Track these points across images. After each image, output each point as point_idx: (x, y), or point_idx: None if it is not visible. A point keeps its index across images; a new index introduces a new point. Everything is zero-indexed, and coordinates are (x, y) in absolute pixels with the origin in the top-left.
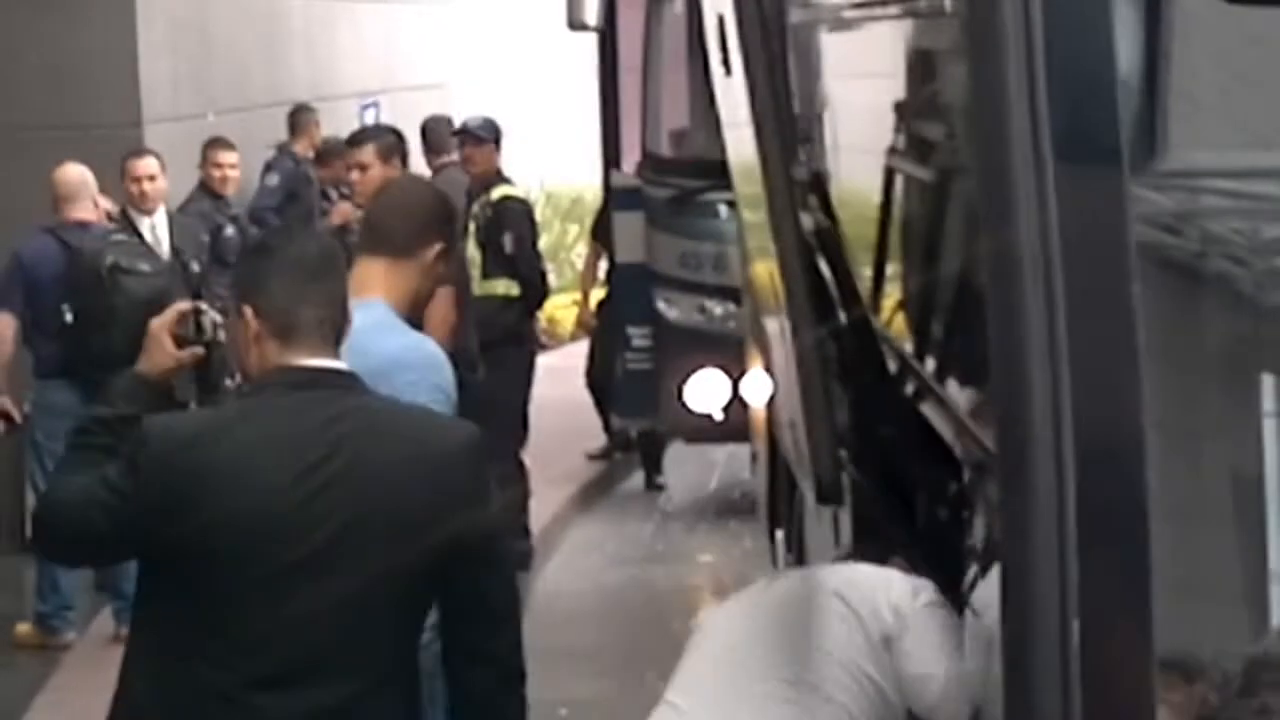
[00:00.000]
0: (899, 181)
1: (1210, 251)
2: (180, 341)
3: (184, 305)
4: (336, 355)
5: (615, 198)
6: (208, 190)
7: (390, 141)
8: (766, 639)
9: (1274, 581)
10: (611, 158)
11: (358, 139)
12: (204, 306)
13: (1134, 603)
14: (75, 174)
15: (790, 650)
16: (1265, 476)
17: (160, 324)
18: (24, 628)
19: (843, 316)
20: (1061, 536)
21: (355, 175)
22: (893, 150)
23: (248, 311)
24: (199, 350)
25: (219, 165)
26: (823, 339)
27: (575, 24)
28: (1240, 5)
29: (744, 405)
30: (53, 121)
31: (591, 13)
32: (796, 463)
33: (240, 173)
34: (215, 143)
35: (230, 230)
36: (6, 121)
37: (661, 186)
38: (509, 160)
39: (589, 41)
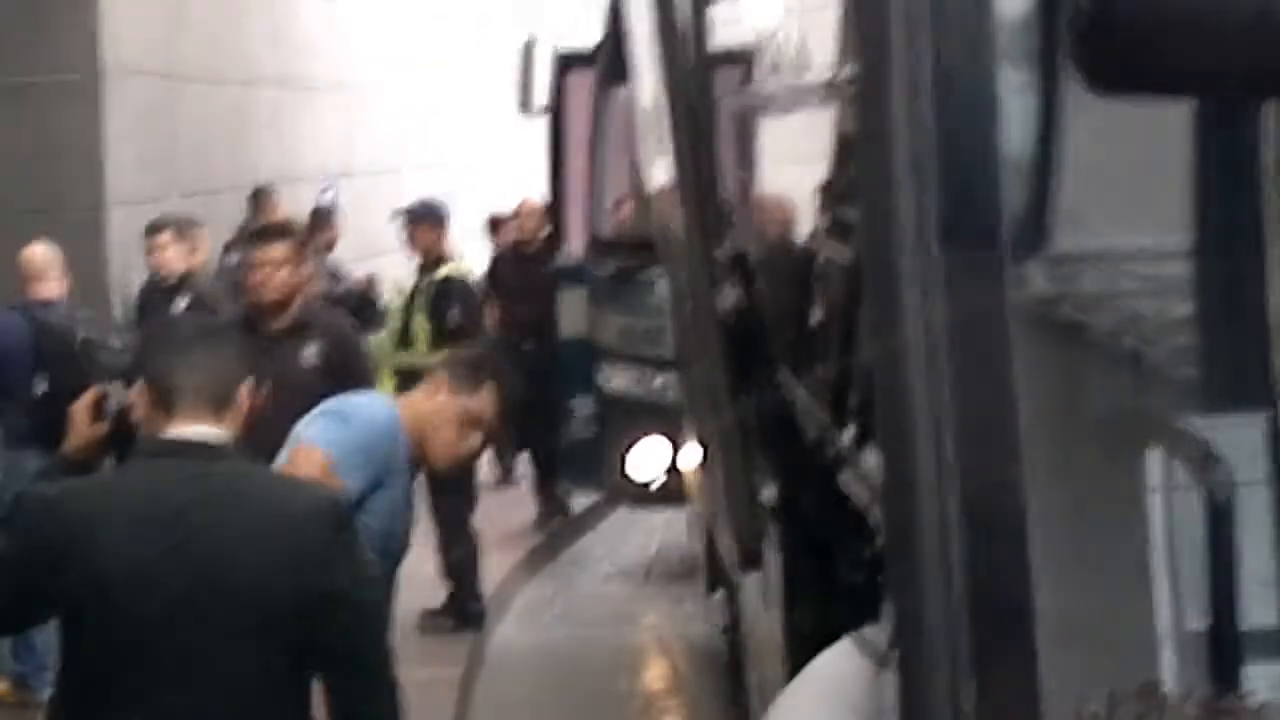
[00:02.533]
0: (817, 259)
1: (1094, 332)
2: (95, 422)
3: (96, 389)
4: (219, 422)
5: (561, 274)
6: (153, 277)
7: (301, 238)
8: None
9: (1161, 650)
10: (559, 237)
11: (271, 234)
12: (111, 389)
13: (1021, 668)
14: (41, 254)
15: None
16: (1150, 551)
17: (77, 406)
18: (2, 686)
19: (764, 389)
20: (948, 599)
21: (263, 274)
22: (811, 229)
23: (140, 384)
24: (102, 426)
25: (151, 250)
26: (743, 410)
27: (526, 107)
28: (1108, 96)
29: (682, 472)
30: (18, 204)
31: (541, 97)
32: (721, 530)
33: (204, 252)
34: (147, 228)
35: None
36: None
37: (604, 265)
38: (465, 238)
39: (540, 126)
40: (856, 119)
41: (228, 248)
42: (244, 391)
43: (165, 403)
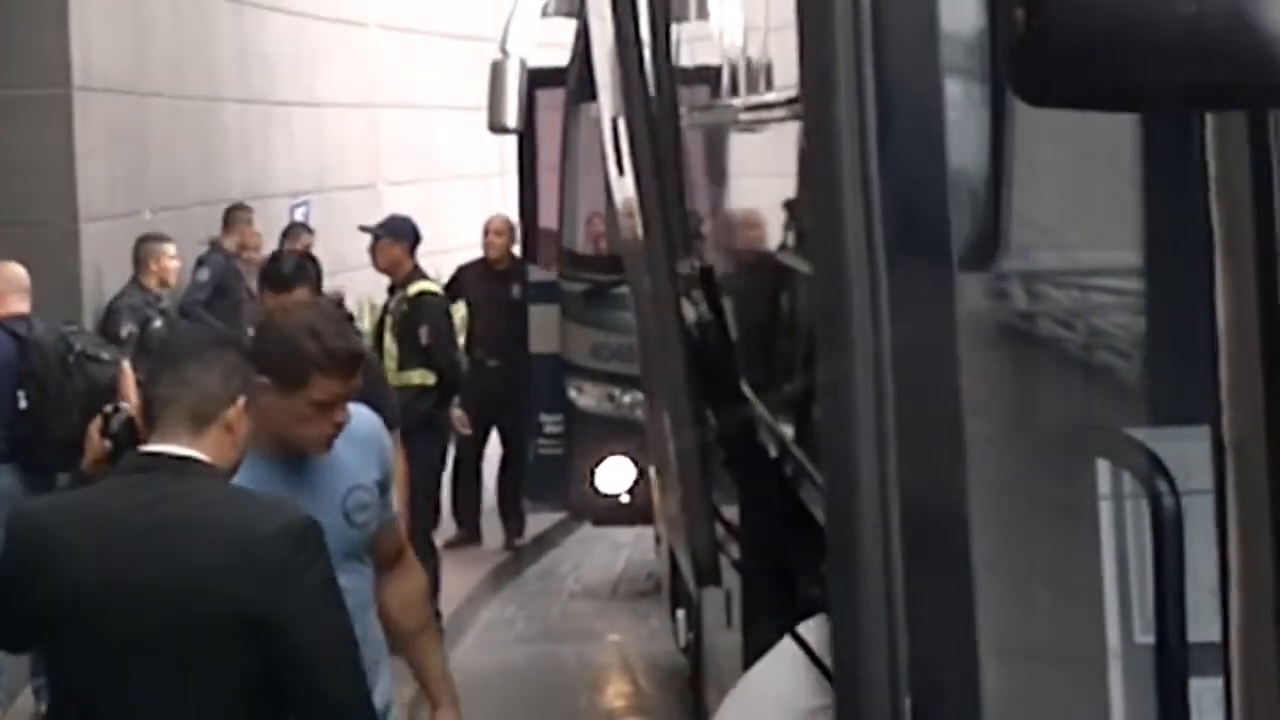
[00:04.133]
0: (778, 274)
1: (1042, 343)
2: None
3: (107, 407)
4: (198, 439)
5: (532, 291)
6: (139, 284)
7: (317, 278)
8: None
9: (1111, 662)
10: (529, 253)
11: (288, 279)
12: (120, 407)
13: (963, 681)
14: (13, 270)
15: None
16: (1098, 562)
17: (91, 424)
18: None
19: (725, 404)
20: (890, 618)
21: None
22: (771, 245)
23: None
24: (106, 444)
25: (159, 259)
26: (702, 425)
27: (496, 126)
28: (1041, 108)
29: (648, 489)
30: None
31: (512, 115)
32: (679, 547)
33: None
34: (151, 239)
35: (158, 323)
36: None
37: (576, 281)
38: (436, 256)
39: (511, 143)
40: (805, 131)
41: (200, 262)
42: (234, 412)
43: (150, 416)
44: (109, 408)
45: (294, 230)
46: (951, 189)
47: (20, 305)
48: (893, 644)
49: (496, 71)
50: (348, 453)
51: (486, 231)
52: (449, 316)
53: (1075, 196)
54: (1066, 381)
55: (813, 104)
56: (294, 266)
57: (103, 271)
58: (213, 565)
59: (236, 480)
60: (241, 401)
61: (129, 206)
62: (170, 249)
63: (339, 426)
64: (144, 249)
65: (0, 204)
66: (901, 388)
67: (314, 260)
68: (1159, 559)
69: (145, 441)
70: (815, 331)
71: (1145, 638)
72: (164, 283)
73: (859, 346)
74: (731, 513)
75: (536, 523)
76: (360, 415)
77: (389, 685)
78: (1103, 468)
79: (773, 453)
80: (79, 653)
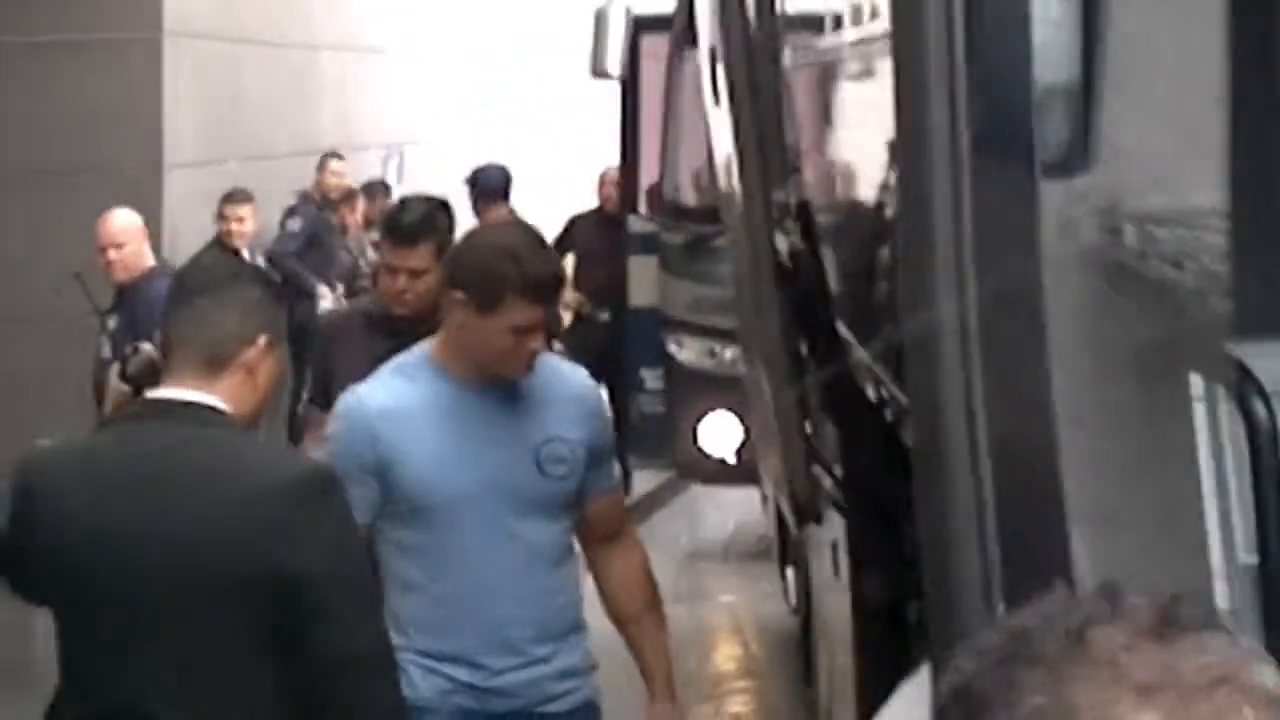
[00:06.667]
0: (879, 217)
1: (1131, 255)
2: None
3: (127, 349)
4: (211, 382)
5: (631, 243)
6: (221, 244)
7: (446, 234)
8: None
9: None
10: (630, 203)
11: (410, 233)
12: (139, 348)
13: None
14: (131, 218)
15: None
16: (1192, 468)
17: (112, 369)
18: None
19: (821, 339)
20: (981, 534)
21: (402, 282)
22: (872, 188)
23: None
24: (127, 388)
25: (229, 219)
26: (798, 362)
27: (598, 72)
28: None
29: (755, 448)
30: (75, 164)
31: (615, 62)
32: (778, 488)
33: (256, 223)
34: (230, 196)
35: None
36: (30, 164)
37: (676, 232)
38: (531, 206)
39: (607, 90)
40: (892, 39)
41: (291, 212)
42: (254, 354)
43: (165, 358)
44: (129, 349)
45: (372, 189)
46: (1039, 92)
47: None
48: (986, 570)
49: (600, 17)
50: (551, 404)
51: (602, 182)
52: None
53: (1165, 107)
54: (1157, 296)
55: (901, 20)
56: (420, 218)
57: (183, 220)
58: (210, 519)
59: (424, 402)
60: (263, 341)
61: (216, 155)
62: (242, 210)
63: (534, 355)
64: (223, 207)
65: (85, 148)
66: (987, 299)
67: (446, 208)
68: (1257, 476)
69: None
70: (901, 246)
71: (1249, 558)
72: (232, 246)
73: (943, 253)
74: (830, 452)
75: (643, 481)
76: (573, 374)
77: (586, 652)
78: (1196, 383)
79: (868, 388)
80: (72, 609)
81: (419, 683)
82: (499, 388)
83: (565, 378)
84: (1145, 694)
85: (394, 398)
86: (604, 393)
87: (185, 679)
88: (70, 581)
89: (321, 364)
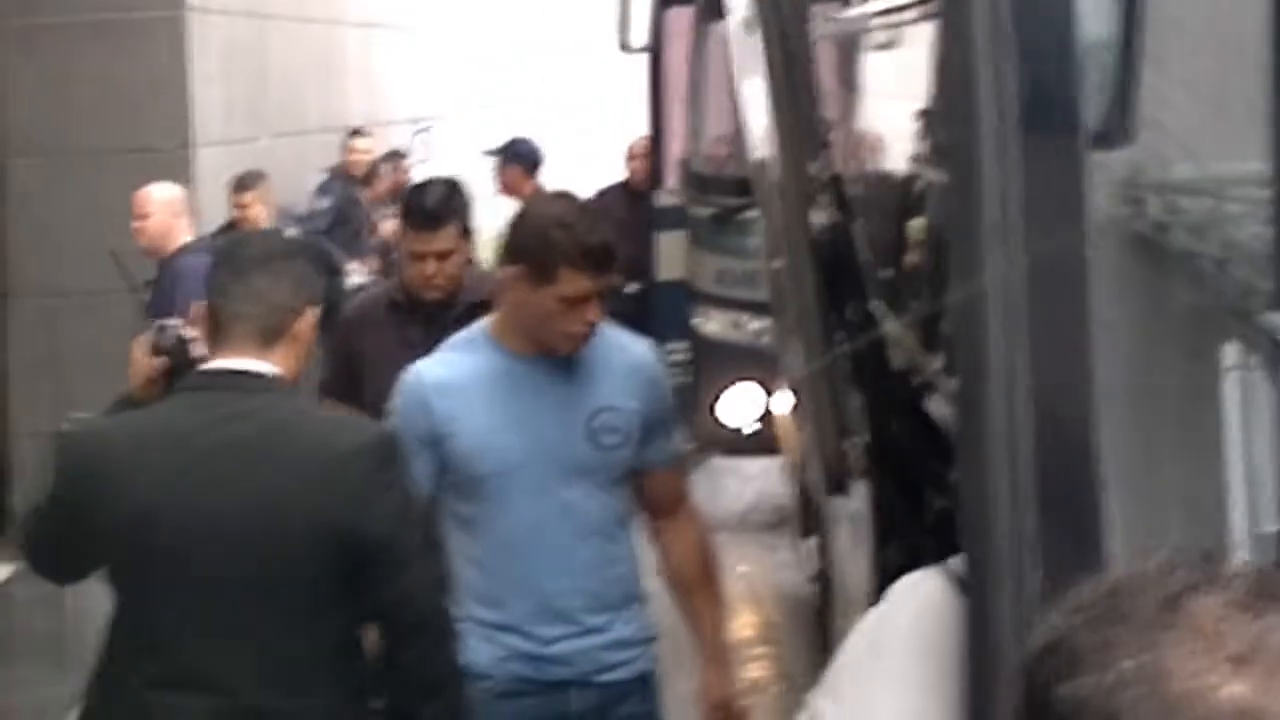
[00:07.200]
0: (911, 186)
1: (1173, 226)
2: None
3: (156, 324)
4: (267, 353)
5: (658, 216)
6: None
7: (468, 213)
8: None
9: (1237, 552)
10: (657, 177)
11: (432, 217)
12: (168, 323)
13: (1091, 569)
14: (171, 192)
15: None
16: (1223, 440)
17: (136, 341)
18: None
19: (853, 310)
20: (1017, 501)
21: (430, 268)
22: (905, 157)
23: (201, 311)
24: (158, 361)
25: (236, 207)
26: (831, 331)
27: (625, 46)
28: None
29: (777, 419)
30: (104, 145)
31: (641, 35)
32: (807, 457)
33: (270, 202)
34: (236, 183)
35: None
36: (59, 144)
37: (703, 205)
38: (551, 182)
39: (632, 63)
40: (940, 8)
41: (320, 190)
42: (304, 324)
43: (216, 331)
44: (157, 324)
45: (391, 158)
46: (1087, 64)
47: (191, 229)
48: (1021, 535)
49: None
50: (606, 374)
51: (631, 154)
52: None
53: (1211, 77)
54: (1194, 265)
55: None
56: (439, 200)
57: (217, 199)
58: (291, 483)
59: (477, 373)
60: (310, 313)
61: (246, 132)
62: (245, 197)
63: (591, 326)
64: (231, 196)
65: (113, 127)
66: (1031, 271)
67: (460, 187)
68: None
69: (203, 358)
70: (948, 217)
71: (1270, 526)
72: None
73: (988, 218)
74: (862, 424)
75: None
76: (633, 344)
77: (645, 623)
78: (1230, 352)
79: (900, 359)
80: (153, 575)
81: (477, 650)
82: (554, 359)
83: (624, 348)
84: (1237, 664)
85: (449, 371)
86: None
87: (254, 641)
88: (143, 549)
89: (343, 353)
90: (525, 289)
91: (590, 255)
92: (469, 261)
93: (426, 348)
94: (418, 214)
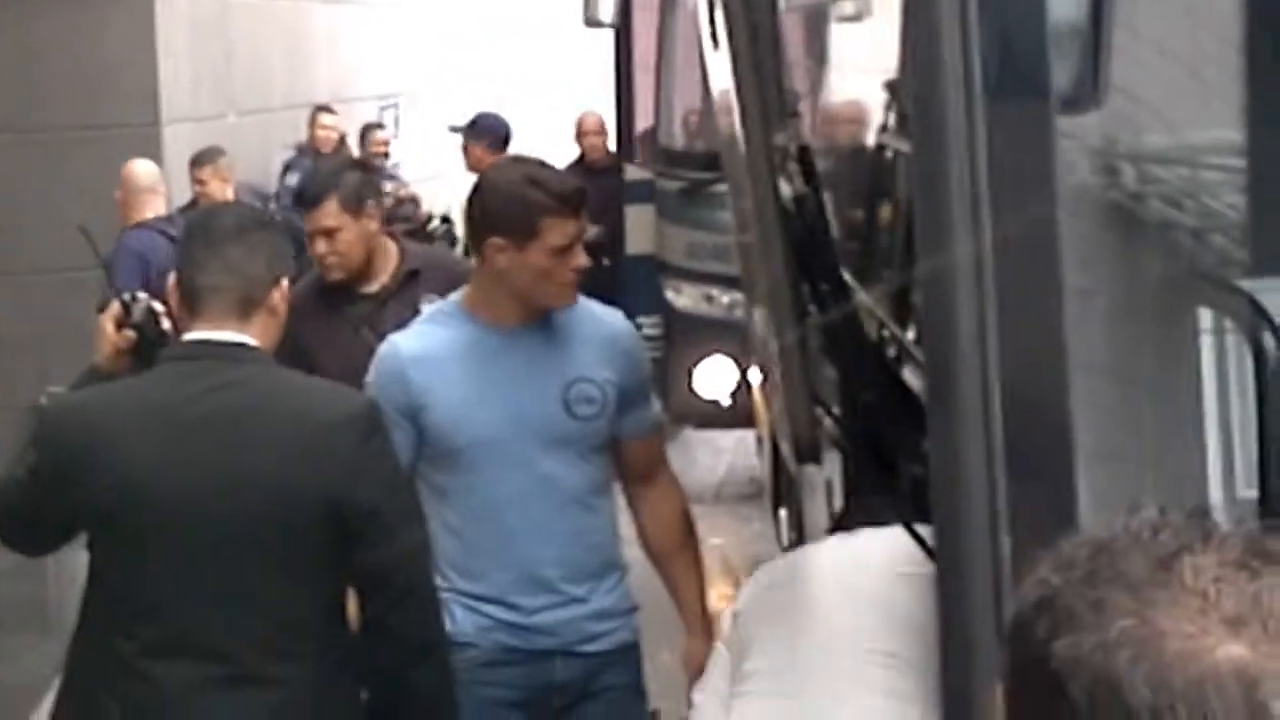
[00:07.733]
0: (880, 156)
1: (1148, 195)
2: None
3: (125, 295)
4: (245, 325)
5: (627, 190)
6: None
7: (354, 186)
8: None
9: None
10: (625, 152)
11: (308, 194)
12: (138, 295)
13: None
14: (143, 169)
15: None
16: (1200, 407)
17: (104, 315)
18: None
19: (823, 281)
20: (990, 468)
21: (321, 246)
22: (873, 126)
23: (172, 283)
24: (128, 334)
25: (197, 182)
26: (800, 302)
27: (591, 21)
28: None
29: (750, 392)
30: (72, 122)
31: (607, 10)
32: (779, 427)
33: (228, 179)
34: (192, 159)
35: None
36: (27, 122)
37: (672, 179)
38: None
39: (601, 40)
40: None
41: (287, 167)
42: (277, 294)
43: (192, 303)
44: (126, 296)
45: (368, 131)
46: (1052, 26)
47: (161, 205)
48: (993, 502)
49: None
50: (581, 345)
51: (582, 132)
52: None
53: (1178, 43)
54: (1169, 232)
55: None
56: (322, 177)
57: (186, 175)
58: (278, 452)
59: (453, 345)
60: (284, 283)
61: (213, 109)
62: (203, 173)
63: (579, 271)
64: (190, 172)
65: (81, 105)
66: (1001, 237)
67: (359, 166)
68: (1262, 409)
69: (174, 330)
70: (914, 184)
71: (1248, 491)
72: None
73: (957, 185)
74: (830, 392)
75: None
76: (606, 315)
77: (625, 593)
78: (1206, 317)
79: (870, 329)
80: (144, 544)
81: (461, 619)
82: (529, 330)
83: (599, 318)
84: (1233, 626)
85: (425, 343)
86: None
87: (246, 608)
88: (134, 519)
89: (289, 340)
90: (509, 255)
91: (568, 199)
92: (388, 235)
93: (375, 321)
94: (297, 193)
